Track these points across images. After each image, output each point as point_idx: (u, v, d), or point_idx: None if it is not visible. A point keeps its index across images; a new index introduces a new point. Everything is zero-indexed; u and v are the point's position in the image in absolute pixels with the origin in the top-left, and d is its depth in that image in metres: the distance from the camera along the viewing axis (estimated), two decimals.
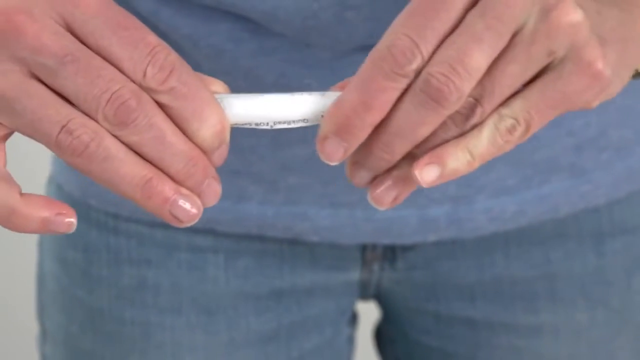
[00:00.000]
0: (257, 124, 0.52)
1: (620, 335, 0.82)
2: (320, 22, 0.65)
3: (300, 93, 0.52)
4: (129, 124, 0.49)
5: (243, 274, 0.79)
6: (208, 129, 0.51)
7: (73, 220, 0.52)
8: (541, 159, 0.75)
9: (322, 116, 0.52)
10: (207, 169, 0.51)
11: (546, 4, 0.50)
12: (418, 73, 0.49)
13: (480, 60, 0.49)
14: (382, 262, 0.81)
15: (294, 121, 0.52)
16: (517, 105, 0.51)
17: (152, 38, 0.50)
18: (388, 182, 0.53)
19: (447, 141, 0.51)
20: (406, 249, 0.80)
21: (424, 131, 0.50)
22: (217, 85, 0.53)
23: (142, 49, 0.49)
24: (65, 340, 0.84)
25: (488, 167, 0.74)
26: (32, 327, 0.95)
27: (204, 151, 0.51)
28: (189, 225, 0.52)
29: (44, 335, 0.87)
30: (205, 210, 0.75)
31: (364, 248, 0.80)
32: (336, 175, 0.73)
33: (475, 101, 0.50)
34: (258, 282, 0.80)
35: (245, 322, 0.80)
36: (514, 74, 0.50)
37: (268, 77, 0.68)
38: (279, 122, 0.52)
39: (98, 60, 0.49)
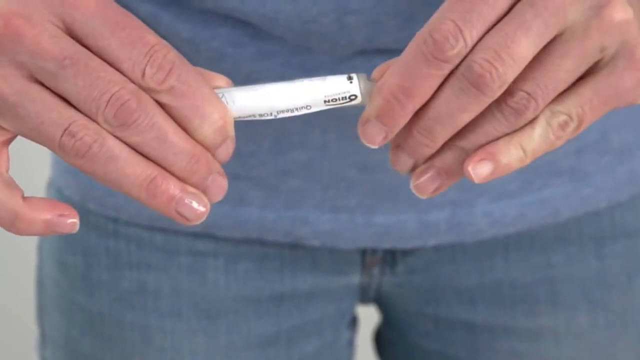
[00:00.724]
0: (260, 115, 0.52)
1: (621, 338, 0.82)
2: (320, 26, 0.64)
3: (301, 80, 0.52)
4: (130, 125, 0.49)
5: (243, 278, 0.79)
6: (210, 126, 0.51)
7: (76, 220, 0.52)
8: (542, 163, 0.75)
9: (325, 101, 0.52)
10: (210, 165, 0.51)
11: (599, 1, 0.50)
12: (463, 60, 0.49)
13: (526, 48, 0.49)
14: (382, 266, 0.80)
15: (297, 109, 0.52)
16: (570, 101, 0.51)
17: (151, 37, 0.50)
18: (431, 172, 0.53)
19: (497, 136, 0.51)
20: (406, 253, 0.80)
21: (464, 118, 0.50)
22: (220, 80, 0.53)
23: (140, 49, 0.49)
24: (65, 344, 0.84)
25: None
26: (32, 330, 0.95)
27: (207, 148, 0.51)
28: (196, 223, 0.52)
29: (43, 339, 0.87)
30: None
31: (364, 252, 0.79)
32: (336, 180, 0.73)
33: (529, 96, 0.50)
34: (258, 286, 0.79)
35: (245, 326, 0.80)
36: (568, 69, 0.50)
37: (268, 81, 0.68)
38: (282, 111, 0.52)
39: (97, 62, 0.49)
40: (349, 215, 0.75)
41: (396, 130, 0.51)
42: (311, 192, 0.74)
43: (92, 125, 0.49)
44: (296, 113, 0.52)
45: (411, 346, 0.86)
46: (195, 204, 0.51)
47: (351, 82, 0.52)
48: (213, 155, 0.52)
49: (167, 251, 0.78)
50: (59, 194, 0.82)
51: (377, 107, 0.51)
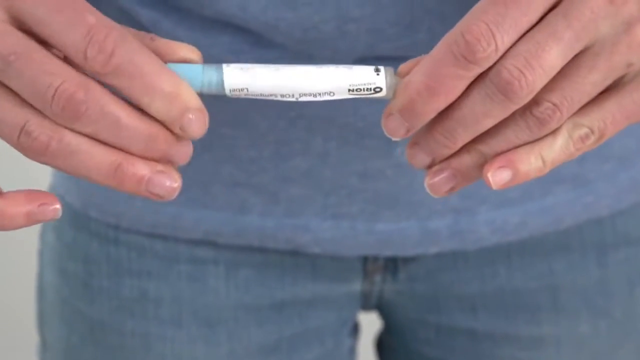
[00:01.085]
0: (282, 96, 0.52)
1: (623, 346, 0.82)
2: (321, 34, 0.64)
3: (327, 66, 0.52)
4: (80, 117, 0.48)
5: (244, 285, 0.79)
6: (161, 101, 0.49)
7: (58, 206, 0.52)
8: None
9: (349, 90, 0.51)
10: (169, 138, 0.51)
11: (630, 17, 0.50)
12: (492, 65, 0.49)
13: (556, 58, 0.49)
14: (383, 273, 0.80)
15: (319, 94, 0.52)
16: (593, 114, 0.51)
17: (91, 17, 0.48)
18: (447, 173, 0.53)
19: (517, 144, 0.51)
20: (408, 260, 0.79)
21: (488, 123, 0.50)
22: (186, 50, 0.52)
23: (79, 31, 0.48)
24: (66, 351, 0.83)
25: None
26: (33, 336, 0.95)
27: (166, 123, 0.50)
28: (170, 199, 0.51)
29: (44, 345, 0.87)
30: (206, 221, 0.76)
31: (365, 259, 0.79)
32: (337, 187, 0.73)
33: (555, 107, 0.50)
34: (259, 294, 0.79)
35: (246, 334, 0.80)
36: (595, 81, 0.50)
37: None
38: (305, 95, 0.52)
39: (42, 55, 0.48)
40: (350, 223, 0.75)
41: (418, 126, 0.51)
42: (312, 200, 0.74)
43: (47, 122, 0.49)
44: (318, 98, 0.52)
45: (413, 353, 0.86)
46: (166, 182, 0.51)
47: (378, 74, 0.51)
48: (182, 129, 0.50)
49: (167, 259, 0.78)
50: (59, 200, 0.82)
51: (401, 102, 0.50)
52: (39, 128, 0.49)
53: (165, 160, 0.51)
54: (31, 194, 0.51)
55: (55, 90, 0.48)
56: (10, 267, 1.79)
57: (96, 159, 0.50)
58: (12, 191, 0.52)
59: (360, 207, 0.74)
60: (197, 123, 0.51)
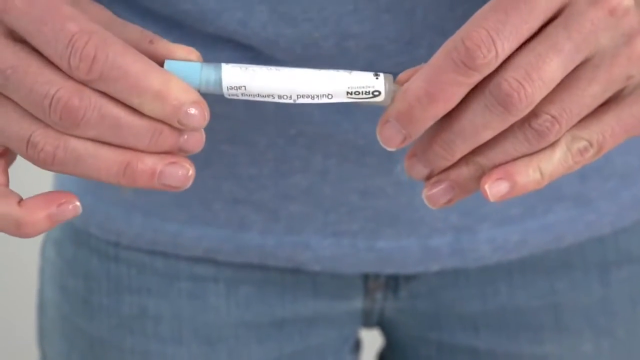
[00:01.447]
0: (280, 97, 0.51)
1: None
2: (321, 50, 0.64)
3: (326, 69, 0.52)
4: (78, 123, 0.49)
5: (244, 303, 0.79)
6: (151, 100, 0.49)
7: (77, 203, 0.52)
8: (545, 188, 0.73)
9: (347, 92, 0.51)
10: (175, 130, 0.50)
11: (631, 30, 0.50)
12: (491, 74, 0.49)
13: (556, 70, 0.49)
14: (385, 291, 0.80)
15: (317, 96, 0.51)
16: (592, 127, 0.51)
17: (72, 25, 0.48)
18: (445, 185, 0.53)
19: (515, 156, 0.51)
20: (409, 278, 0.79)
21: (487, 135, 0.50)
22: (183, 51, 0.52)
23: (62, 41, 0.48)
24: None
25: None
26: (34, 351, 0.95)
27: (164, 121, 0.50)
28: (185, 187, 0.51)
29: None
30: (207, 239, 0.76)
31: (366, 277, 0.79)
32: (337, 204, 0.73)
33: (554, 119, 0.50)
34: (259, 312, 0.79)
35: (246, 352, 0.79)
36: (594, 94, 0.50)
37: (268, 105, 0.68)
38: (303, 96, 0.51)
39: (36, 66, 0.49)
40: (351, 240, 0.74)
41: (415, 135, 0.51)
42: (312, 217, 0.74)
43: (51, 132, 0.49)
44: (316, 100, 0.52)
45: None
46: (178, 172, 0.51)
47: (377, 79, 0.52)
48: (180, 123, 0.50)
49: (167, 276, 0.78)
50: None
51: (398, 108, 0.50)
52: (44, 139, 0.49)
53: (176, 151, 0.51)
54: (48, 197, 0.51)
55: (51, 100, 0.48)
56: (11, 282, 1.79)
57: (104, 161, 0.50)
58: (30, 198, 0.52)
59: (361, 224, 0.74)
60: (196, 115, 0.50)
